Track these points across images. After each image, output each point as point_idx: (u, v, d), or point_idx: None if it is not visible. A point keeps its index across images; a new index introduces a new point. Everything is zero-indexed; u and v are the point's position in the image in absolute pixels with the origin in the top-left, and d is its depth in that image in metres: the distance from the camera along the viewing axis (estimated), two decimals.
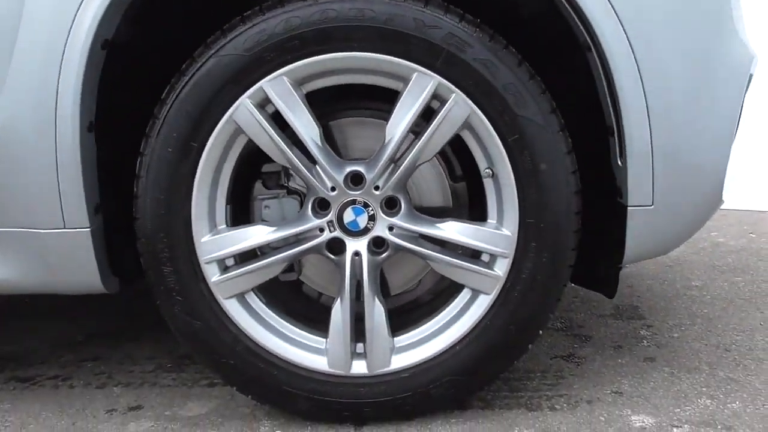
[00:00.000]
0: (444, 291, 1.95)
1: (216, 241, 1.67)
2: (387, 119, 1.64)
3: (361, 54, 1.57)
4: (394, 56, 1.57)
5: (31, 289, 1.76)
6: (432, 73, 1.57)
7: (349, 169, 1.66)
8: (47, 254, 1.69)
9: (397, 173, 1.64)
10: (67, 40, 1.56)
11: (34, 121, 1.59)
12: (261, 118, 1.60)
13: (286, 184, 1.82)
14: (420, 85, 1.58)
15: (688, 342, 2.18)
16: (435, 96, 1.60)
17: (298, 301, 1.99)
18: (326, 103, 1.82)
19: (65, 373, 2.20)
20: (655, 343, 2.19)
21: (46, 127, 1.59)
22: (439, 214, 1.79)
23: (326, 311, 1.76)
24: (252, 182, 1.84)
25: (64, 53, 1.56)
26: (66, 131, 1.59)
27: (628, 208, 1.63)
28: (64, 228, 1.66)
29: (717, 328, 2.29)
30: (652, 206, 1.62)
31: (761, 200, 4.19)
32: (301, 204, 1.79)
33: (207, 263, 1.67)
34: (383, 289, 1.79)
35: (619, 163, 1.63)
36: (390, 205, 1.69)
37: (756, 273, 2.89)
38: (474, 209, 1.87)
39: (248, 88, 1.59)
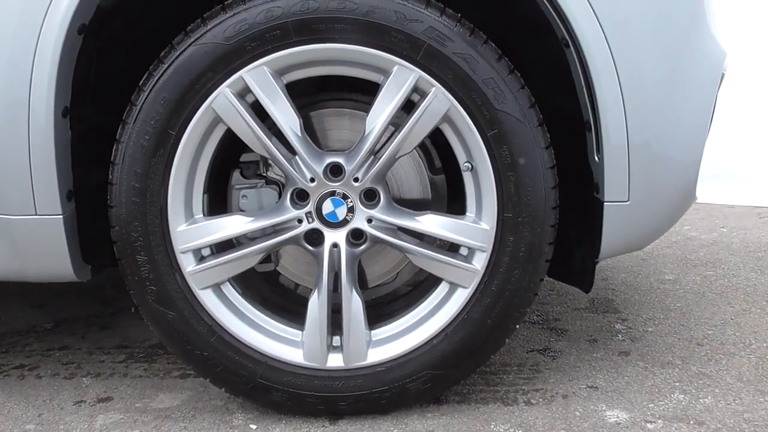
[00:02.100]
0: (421, 283, 1.95)
1: (192, 231, 1.65)
2: (366, 111, 1.63)
3: (342, 46, 1.56)
4: (375, 49, 1.56)
5: (1, 276, 1.73)
6: (412, 67, 1.56)
7: (328, 160, 1.65)
8: (18, 241, 1.66)
9: (376, 165, 1.63)
10: (42, 24, 1.53)
11: (6, 105, 1.56)
12: (241, 107, 1.58)
13: (264, 174, 1.80)
14: (400, 78, 1.57)
15: (662, 336, 2.20)
16: (415, 89, 1.59)
17: (274, 292, 1.97)
18: (307, 94, 1.81)
19: (32, 362, 2.17)
20: (630, 337, 2.20)
21: (18, 111, 1.56)
22: (417, 206, 1.78)
23: (303, 302, 1.75)
24: (230, 171, 1.81)
25: (39, 38, 1.53)
26: (39, 116, 1.56)
27: (605, 203, 1.64)
28: (36, 214, 1.63)
29: (690, 322, 2.31)
30: (628, 202, 1.63)
31: (730, 195, 4.25)
32: (280, 194, 1.77)
33: (182, 253, 1.65)
34: (361, 281, 1.78)
35: (596, 158, 1.64)
36: (369, 197, 1.68)
37: (727, 267, 2.93)
38: (453, 201, 1.86)
39: (228, 77, 1.57)
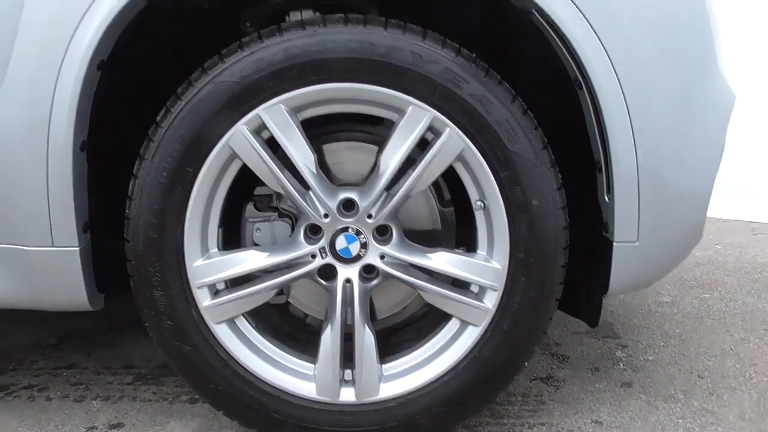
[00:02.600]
0: (429, 314, 1.96)
1: (208, 266, 1.66)
2: (376, 143, 1.64)
3: (359, 85, 1.57)
4: (391, 89, 1.57)
5: (16, 304, 1.75)
6: (427, 107, 1.57)
7: (342, 196, 1.66)
8: (34, 272, 1.67)
9: (390, 203, 1.64)
10: (63, 60, 1.54)
11: (26, 139, 1.57)
12: (257, 144, 1.59)
13: (277, 206, 1.82)
14: (415, 118, 1.59)
15: (663, 366, 2.23)
16: (429, 128, 1.60)
17: (284, 321, 1.98)
18: (317, 125, 1.82)
19: (40, 382, 2.18)
20: (631, 366, 2.23)
21: (38, 145, 1.57)
22: (427, 237, 1.80)
23: (312, 331, 1.76)
24: (243, 203, 1.83)
25: (58, 76, 1.54)
26: (58, 150, 1.58)
27: (614, 243, 1.66)
28: (53, 246, 1.64)
29: (689, 351, 2.34)
30: (637, 243, 1.65)
31: (723, 208, 4.30)
32: (292, 227, 1.79)
33: (198, 288, 1.66)
34: (370, 314, 1.80)
35: (606, 198, 1.66)
36: (381, 233, 1.69)
37: (724, 290, 2.96)
38: (462, 233, 1.88)
39: (245, 115, 1.58)
